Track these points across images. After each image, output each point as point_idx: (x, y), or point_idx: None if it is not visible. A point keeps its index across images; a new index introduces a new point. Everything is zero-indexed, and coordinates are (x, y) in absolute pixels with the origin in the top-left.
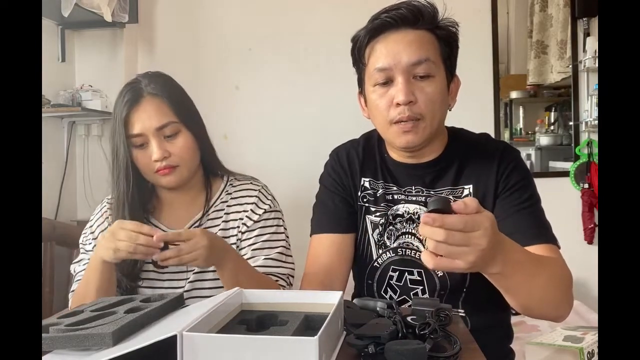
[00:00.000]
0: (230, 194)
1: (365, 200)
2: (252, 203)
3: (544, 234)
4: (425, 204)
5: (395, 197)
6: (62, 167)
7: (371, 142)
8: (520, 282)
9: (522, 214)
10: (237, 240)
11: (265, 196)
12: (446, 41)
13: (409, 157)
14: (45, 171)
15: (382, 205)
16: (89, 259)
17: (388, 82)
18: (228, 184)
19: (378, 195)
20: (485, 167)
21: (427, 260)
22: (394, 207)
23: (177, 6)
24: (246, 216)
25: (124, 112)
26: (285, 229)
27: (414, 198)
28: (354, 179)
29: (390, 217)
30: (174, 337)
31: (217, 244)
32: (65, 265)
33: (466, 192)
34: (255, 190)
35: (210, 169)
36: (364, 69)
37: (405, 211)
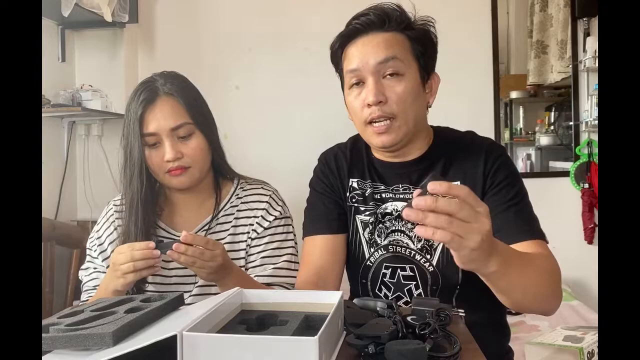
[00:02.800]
0: (241, 198)
1: (354, 200)
2: (262, 209)
3: (531, 230)
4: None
5: (384, 195)
6: (62, 167)
7: (358, 144)
8: (514, 281)
9: (510, 211)
10: (247, 246)
11: (277, 202)
12: (419, 40)
13: (394, 156)
14: (45, 171)
15: (370, 204)
16: (95, 268)
17: (360, 84)
18: (238, 187)
19: (367, 194)
20: (471, 164)
21: (443, 236)
22: (383, 206)
23: (177, 6)
24: (257, 222)
25: (139, 111)
26: (294, 235)
27: (401, 196)
28: (342, 181)
29: (380, 216)
30: (174, 337)
31: (227, 264)
32: (65, 265)
33: None
34: (267, 195)
35: (220, 172)
36: (341, 73)
37: (394, 209)
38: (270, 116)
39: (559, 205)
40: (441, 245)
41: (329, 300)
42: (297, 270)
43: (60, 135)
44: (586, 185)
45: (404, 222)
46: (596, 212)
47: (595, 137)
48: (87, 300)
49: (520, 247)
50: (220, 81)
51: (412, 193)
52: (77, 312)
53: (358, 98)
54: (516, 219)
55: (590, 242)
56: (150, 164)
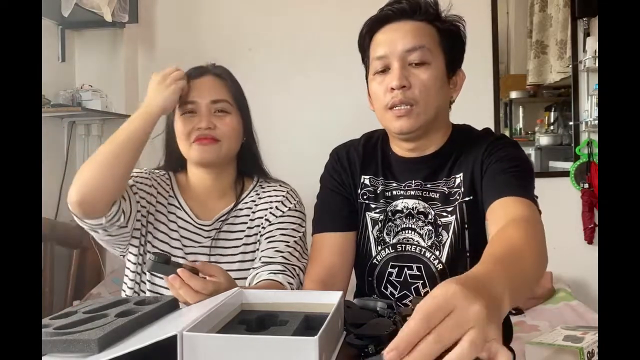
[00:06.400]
0: (259, 194)
1: (365, 197)
2: (278, 201)
3: (523, 190)
4: (423, 199)
5: (394, 192)
6: (62, 167)
7: (372, 141)
8: (523, 293)
9: (503, 176)
10: (260, 236)
11: (293, 197)
12: (447, 33)
13: (410, 149)
14: (45, 171)
15: (381, 201)
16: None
17: (386, 70)
18: (258, 184)
19: (378, 192)
20: (474, 155)
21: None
22: (393, 203)
23: (177, 6)
24: (270, 212)
25: (185, 81)
26: (305, 231)
27: (412, 192)
28: (354, 178)
29: (390, 213)
30: (174, 337)
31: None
32: (65, 265)
33: (457, 181)
34: (283, 191)
35: (244, 167)
36: (368, 60)
37: (405, 206)
38: (269, 116)
39: (559, 205)
40: (449, 240)
41: (329, 300)
42: (301, 260)
43: (60, 135)
44: (586, 185)
45: (414, 219)
46: (596, 212)
47: (595, 137)
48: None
49: (506, 201)
50: None
51: (422, 189)
52: (71, 312)
53: (382, 84)
54: (510, 180)
55: (590, 242)
56: (178, 133)
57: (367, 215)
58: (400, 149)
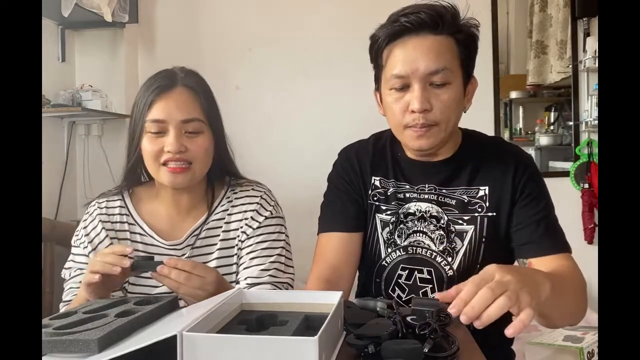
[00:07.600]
0: (232, 201)
1: (375, 199)
2: (253, 210)
3: (558, 244)
4: (437, 203)
5: (407, 195)
6: (62, 167)
7: (381, 142)
8: (557, 305)
9: (539, 225)
10: (238, 249)
11: (268, 202)
12: (465, 44)
13: (423, 155)
14: (45, 171)
15: (393, 203)
16: (80, 269)
17: (404, 88)
18: (229, 189)
19: (389, 194)
20: (501, 171)
21: (518, 327)
22: (406, 206)
23: (177, 6)
24: (246, 224)
25: (152, 97)
26: (286, 235)
27: (426, 196)
28: (364, 178)
29: (402, 216)
30: (174, 337)
31: (220, 288)
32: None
33: (482, 192)
34: (257, 196)
35: (215, 175)
36: (382, 70)
37: (417, 209)
38: (269, 116)
39: (559, 205)
40: (464, 248)
41: (329, 300)
42: (287, 272)
43: (60, 135)
44: (586, 185)
45: (426, 222)
46: (596, 212)
47: (595, 137)
48: (69, 301)
49: (548, 260)
50: (220, 81)
51: (436, 194)
52: (71, 312)
53: (399, 102)
54: (545, 233)
55: (590, 242)
56: (145, 152)
57: (377, 216)
58: (411, 152)
